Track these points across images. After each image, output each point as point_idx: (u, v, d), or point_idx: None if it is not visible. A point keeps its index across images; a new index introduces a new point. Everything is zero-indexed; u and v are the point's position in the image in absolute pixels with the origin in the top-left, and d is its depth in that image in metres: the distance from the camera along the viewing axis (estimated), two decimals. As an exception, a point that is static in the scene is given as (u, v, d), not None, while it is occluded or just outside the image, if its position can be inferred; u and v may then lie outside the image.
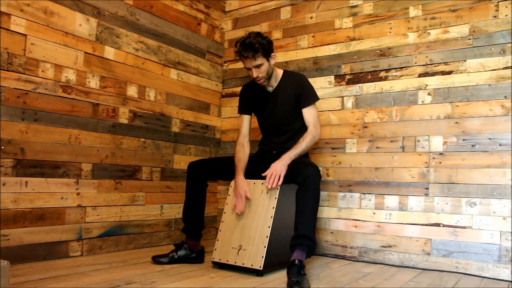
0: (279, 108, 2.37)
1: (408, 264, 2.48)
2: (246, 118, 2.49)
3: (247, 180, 2.28)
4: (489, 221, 2.29)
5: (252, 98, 2.46)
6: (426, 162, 2.50)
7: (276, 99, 2.38)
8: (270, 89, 2.40)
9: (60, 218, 2.32)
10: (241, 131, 2.47)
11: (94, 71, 2.50)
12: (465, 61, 2.44)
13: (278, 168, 2.13)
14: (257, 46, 2.18)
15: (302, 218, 2.02)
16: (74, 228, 2.38)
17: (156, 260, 2.28)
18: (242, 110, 2.51)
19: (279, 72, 2.40)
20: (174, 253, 2.31)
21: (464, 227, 2.35)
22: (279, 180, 2.12)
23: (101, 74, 2.55)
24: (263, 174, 2.17)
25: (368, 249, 2.62)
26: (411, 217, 2.51)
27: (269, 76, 2.32)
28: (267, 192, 2.18)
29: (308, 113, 2.32)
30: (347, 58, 2.84)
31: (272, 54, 2.29)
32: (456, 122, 2.43)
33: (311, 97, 2.35)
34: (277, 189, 2.16)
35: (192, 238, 2.36)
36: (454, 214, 2.38)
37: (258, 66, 2.24)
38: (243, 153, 2.36)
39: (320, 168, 2.13)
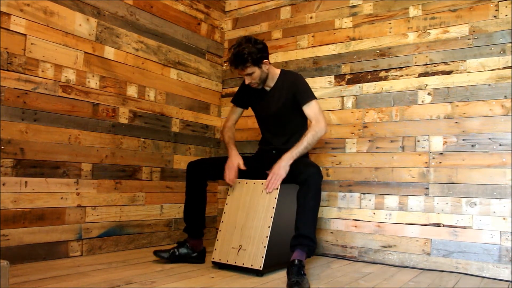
0: (275, 108, 2.36)
1: (408, 264, 2.48)
2: (238, 110, 2.54)
3: (247, 180, 2.29)
4: (489, 221, 2.29)
5: (251, 94, 2.45)
6: (426, 162, 2.50)
7: (273, 98, 2.37)
8: (267, 88, 2.40)
9: (60, 218, 2.32)
10: (230, 118, 2.54)
11: (94, 71, 2.50)
12: (465, 61, 2.44)
13: (279, 171, 2.13)
14: (246, 56, 2.15)
15: (303, 218, 2.02)
16: (74, 228, 2.38)
17: (157, 254, 2.30)
18: (237, 102, 2.52)
19: (276, 72, 2.38)
20: (176, 250, 2.32)
21: (464, 227, 2.35)
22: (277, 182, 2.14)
23: (101, 74, 2.54)
24: (267, 171, 2.18)
25: (368, 249, 2.62)
26: (411, 217, 2.51)
27: (263, 81, 2.31)
28: (267, 192, 2.18)
29: (309, 109, 2.26)
30: (347, 58, 2.84)
31: (265, 60, 2.24)
32: (456, 122, 2.43)
33: (307, 94, 2.29)
34: (277, 189, 2.15)
35: (193, 238, 2.36)
36: (454, 214, 2.38)
37: (250, 74, 2.23)
38: (232, 133, 2.48)
39: (320, 168, 2.13)
